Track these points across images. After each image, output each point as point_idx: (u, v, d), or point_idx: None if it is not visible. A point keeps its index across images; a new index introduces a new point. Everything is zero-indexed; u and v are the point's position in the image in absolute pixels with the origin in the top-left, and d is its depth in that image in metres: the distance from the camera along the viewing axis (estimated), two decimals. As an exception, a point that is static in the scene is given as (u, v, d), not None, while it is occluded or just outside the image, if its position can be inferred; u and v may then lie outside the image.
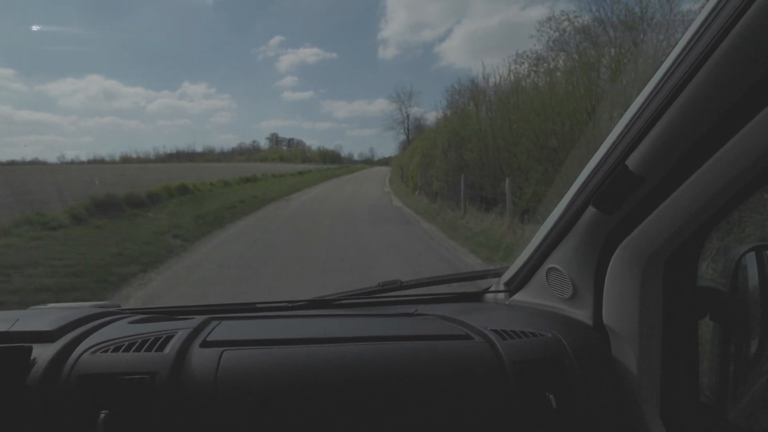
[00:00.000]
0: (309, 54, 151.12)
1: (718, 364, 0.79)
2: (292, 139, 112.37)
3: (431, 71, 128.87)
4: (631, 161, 0.67)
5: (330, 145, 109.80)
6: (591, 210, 0.78)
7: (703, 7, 0.55)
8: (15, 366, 0.68)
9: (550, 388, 0.74)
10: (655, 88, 0.61)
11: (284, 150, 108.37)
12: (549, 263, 0.94)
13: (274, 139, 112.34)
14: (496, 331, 0.84)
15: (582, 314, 0.89)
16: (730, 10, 0.49)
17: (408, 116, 33.52)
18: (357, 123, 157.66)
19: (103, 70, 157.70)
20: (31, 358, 0.69)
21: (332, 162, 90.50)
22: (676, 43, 0.59)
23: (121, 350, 0.73)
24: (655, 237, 0.72)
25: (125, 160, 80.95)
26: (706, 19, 0.53)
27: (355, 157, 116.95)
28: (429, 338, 0.85)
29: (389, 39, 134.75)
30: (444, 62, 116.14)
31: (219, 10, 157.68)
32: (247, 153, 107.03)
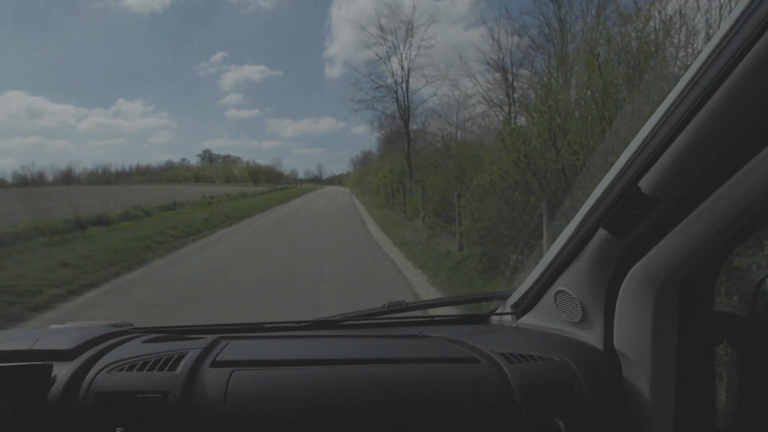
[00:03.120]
0: (254, 71, 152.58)
1: (736, 391, 0.79)
2: (228, 156, 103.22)
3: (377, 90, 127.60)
4: (644, 183, 0.67)
5: (279, 165, 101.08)
6: (602, 232, 0.78)
7: (720, 25, 0.57)
8: (37, 383, 0.73)
9: (560, 413, 0.74)
10: (669, 108, 0.61)
11: (206, 167, 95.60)
12: (558, 286, 0.94)
13: (207, 157, 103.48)
14: (503, 354, 0.84)
15: (592, 338, 0.89)
16: (750, 28, 0.50)
17: (407, 73, 18.27)
18: (305, 142, 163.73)
19: (26, 86, 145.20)
20: (52, 375, 0.75)
21: (269, 182, 79.39)
22: (693, 62, 0.58)
23: (135, 369, 0.78)
24: (669, 261, 0.72)
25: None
26: (723, 38, 0.53)
27: (300, 174, 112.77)
28: (435, 361, 0.87)
29: (335, 57, 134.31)
30: (390, 81, 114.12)
31: (156, 24, 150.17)
32: (148, 173, 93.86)
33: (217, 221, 12.70)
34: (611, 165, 0.74)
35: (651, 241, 0.73)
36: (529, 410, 0.74)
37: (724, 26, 0.53)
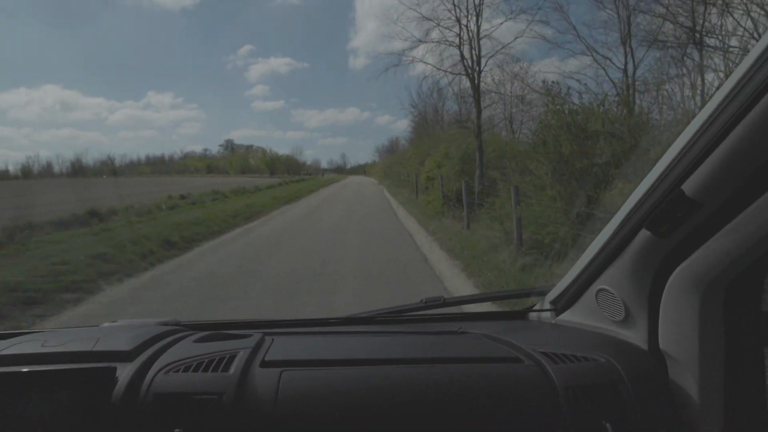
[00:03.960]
0: (280, 63, 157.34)
1: None
2: (251, 146, 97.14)
3: (402, 80, 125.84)
4: (688, 186, 0.67)
5: (299, 155, 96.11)
6: (644, 233, 0.78)
7: None
8: (102, 383, 0.77)
9: (606, 416, 0.74)
10: (715, 110, 0.60)
11: (220, 158, 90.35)
12: (599, 284, 0.94)
13: (229, 146, 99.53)
14: (546, 354, 0.85)
15: (636, 338, 0.89)
16: None
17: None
18: (329, 132, 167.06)
19: (60, 79, 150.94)
20: (115, 375, 0.79)
21: (288, 172, 74.59)
22: (741, 62, 0.57)
23: (190, 370, 0.81)
24: (714, 263, 0.71)
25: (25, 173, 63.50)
26: None
27: (324, 164, 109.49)
28: (478, 360, 0.88)
29: (359, 48, 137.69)
30: (413, 71, 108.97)
31: (186, 18, 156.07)
32: (157, 163, 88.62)
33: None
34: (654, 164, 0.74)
35: (695, 243, 0.73)
36: (574, 412, 0.75)
37: None
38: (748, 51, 0.56)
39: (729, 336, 0.75)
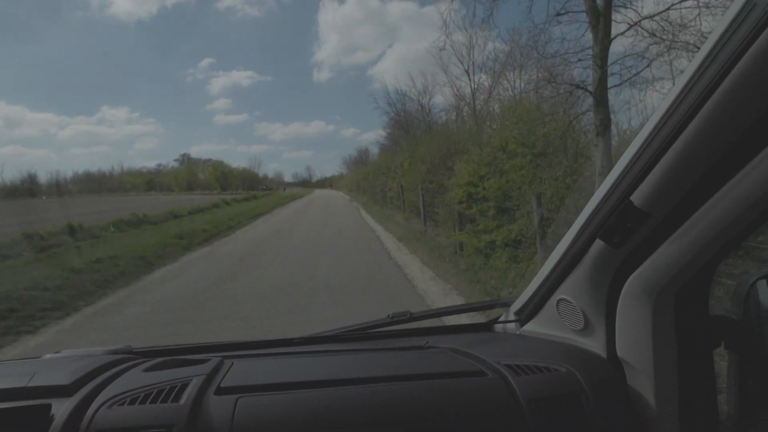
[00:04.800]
0: (242, 77, 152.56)
1: (736, 394, 0.83)
2: (209, 160, 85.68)
3: (365, 93, 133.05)
4: (636, 197, 0.70)
5: (258, 167, 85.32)
6: (599, 243, 0.80)
7: (709, 36, 0.57)
8: (36, 422, 0.71)
9: (569, 426, 0.76)
10: (658, 124, 0.64)
11: (164, 173, 79.43)
12: (559, 294, 0.96)
13: (185, 161, 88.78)
14: (509, 366, 0.86)
15: (595, 346, 0.91)
16: (738, 39, 0.51)
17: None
18: (294, 145, 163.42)
19: (4, 95, 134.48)
20: (51, 414, 0.73)
21: (245, 187, 63.67)
22: (680, 75, 0.61)
23: (137, 402, 0.76)
24: (664, 270, 0.74)
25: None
26: (708, 54, 0.55)
27: (288, 177, 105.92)
28: (443, 376, 0.87)
29: (323, 62, 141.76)
30: (378, 84, 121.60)
31: (142, 31, 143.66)
32: (87, 181, 72.15)
33: None
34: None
35: (646, 252, 0.75)
36: (537, 423, 0.76)
37: (708, 44, 0.55)
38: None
39: (680, 341, 0.77)
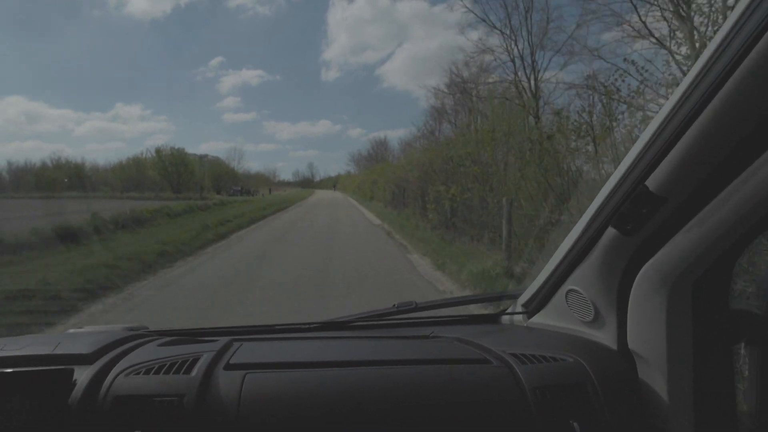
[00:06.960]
0: (252, 75, 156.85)
1: (756, 391, 0.78)
2: (206, 156, 66.96)
3: (373, 93, 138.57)
4: (652, 182, 0.67)
5: (238, 160, 67.06)
6: (611, 231, 0.78)
7: (726, 17, 0.56)
8: (59, 386, 0.76)
9: (574, 415, 0.74)
10: (674, 106, 0.62)
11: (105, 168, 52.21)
12: (568, 285, 0.94)
13: (158, 152, 71.50)
14: (515, 355, 0.85)
15: (605, 338, 0.89)
16: (753, 25, 0.50)
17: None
18: (300, 144, 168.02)
19: (25, 91, 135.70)
20: (73, 379, 0.78)
21: (218, 188, 48.46)
22: (697, 60, 0.59)
23: (152, 372, 0.81)
24: (680, 259, 0.72)
25: None
26: (728, 34, 0.53)
27: (287, 175, 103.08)
28: (446, 362, 0.88)
29: (331, 61, 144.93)
30: (386, 84, 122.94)
31: (156, 30, 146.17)
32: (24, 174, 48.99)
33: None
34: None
35: (661, 240, 0.73)
36: (542, 412, 0.75)
37: (728, 23, 0.53)
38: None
39: (697, 335, 0.75)
